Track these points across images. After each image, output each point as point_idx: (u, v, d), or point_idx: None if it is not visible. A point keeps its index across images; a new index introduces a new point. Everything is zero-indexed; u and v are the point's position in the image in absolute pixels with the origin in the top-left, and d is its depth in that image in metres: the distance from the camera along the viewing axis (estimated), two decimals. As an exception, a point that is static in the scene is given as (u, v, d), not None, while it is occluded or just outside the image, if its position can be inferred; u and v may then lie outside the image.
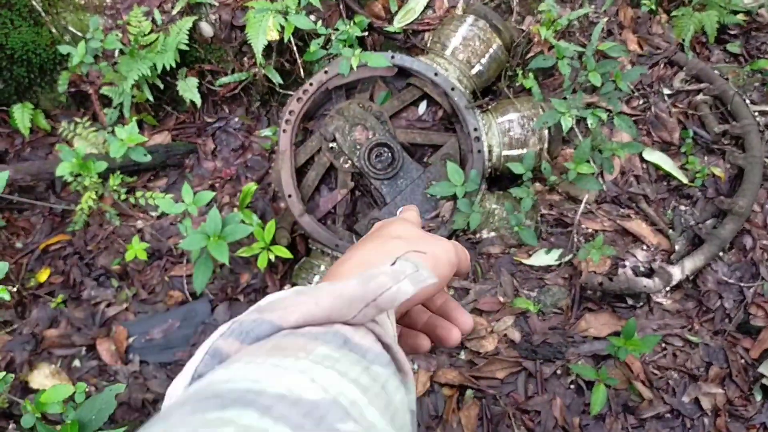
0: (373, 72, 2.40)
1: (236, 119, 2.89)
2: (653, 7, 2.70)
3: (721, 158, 2.49)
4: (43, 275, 2.56)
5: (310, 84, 2.37)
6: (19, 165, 2.60)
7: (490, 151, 2.38)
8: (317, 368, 0.46)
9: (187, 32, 2.50)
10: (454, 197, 2.32)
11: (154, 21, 2.56)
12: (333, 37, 2.38)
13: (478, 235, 2.40)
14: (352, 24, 2.36)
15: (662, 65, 2.69)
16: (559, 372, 2.14)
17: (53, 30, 2.60)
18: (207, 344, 0.51)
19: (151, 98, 2.62)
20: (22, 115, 2.68)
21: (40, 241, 2.68)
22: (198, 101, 2.60)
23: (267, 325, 0.51)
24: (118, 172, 2.50)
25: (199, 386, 0.45)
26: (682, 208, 2.43)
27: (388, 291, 0.56)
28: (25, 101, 2.75)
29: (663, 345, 2.17)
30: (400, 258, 0.63)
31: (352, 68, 2.27)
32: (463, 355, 2.21)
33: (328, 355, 0.49)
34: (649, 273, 2.26)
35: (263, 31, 2.22)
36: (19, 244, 2.69)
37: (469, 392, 2.13)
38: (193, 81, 2.61)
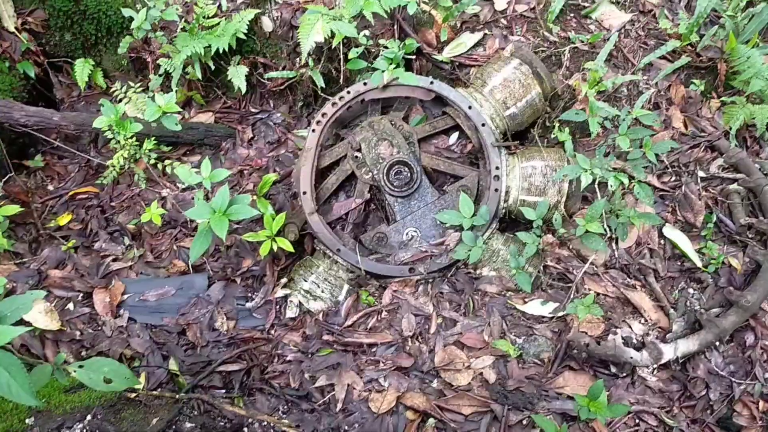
0: (410, 93, 2.46)
1: (278, 114, 2.99)
2: (703, 89, 2.68)
3: (742, 250, 2.43)
4: (64, 219, 2.68)
5: (348, 92, 2.45)
6: (67, 113, 2.75)
7: (507, 192, 2.39)
8: None
9: (248, 23, 2.62)
10: (461, 228, 2.33)
11: (220, 6, 2.70)
12: (381, 53, 2.45)
13: (478, 271, 2.40)
14: (401, 45, 2.43)
15: (703, 148, 2.66)
16: (525, 422, 2.10)
17: (127, -5, 2.77)
18: None
19: (200, 77, 2.74)
20: (82, 69, 2.86)
21: (70, 188, 2.82)
22: (243, 88, 2.71)
23: None
24: (153, 138, 2.62)
25: None
26: (690, 290, 2.37)
27: None
28: (88, 57, 2.93)
29: (636, 420, 2.11)
30: None
31: (386, 83, 2.33)
32: (435, 384, 2.20)
33: None
34: (640, 346, 2.21)
35: (313, 32, 2.31)
36: (51, 187, 2.84)
37: (431, 420, 2.12)
38: (243, 69, 2.72)
